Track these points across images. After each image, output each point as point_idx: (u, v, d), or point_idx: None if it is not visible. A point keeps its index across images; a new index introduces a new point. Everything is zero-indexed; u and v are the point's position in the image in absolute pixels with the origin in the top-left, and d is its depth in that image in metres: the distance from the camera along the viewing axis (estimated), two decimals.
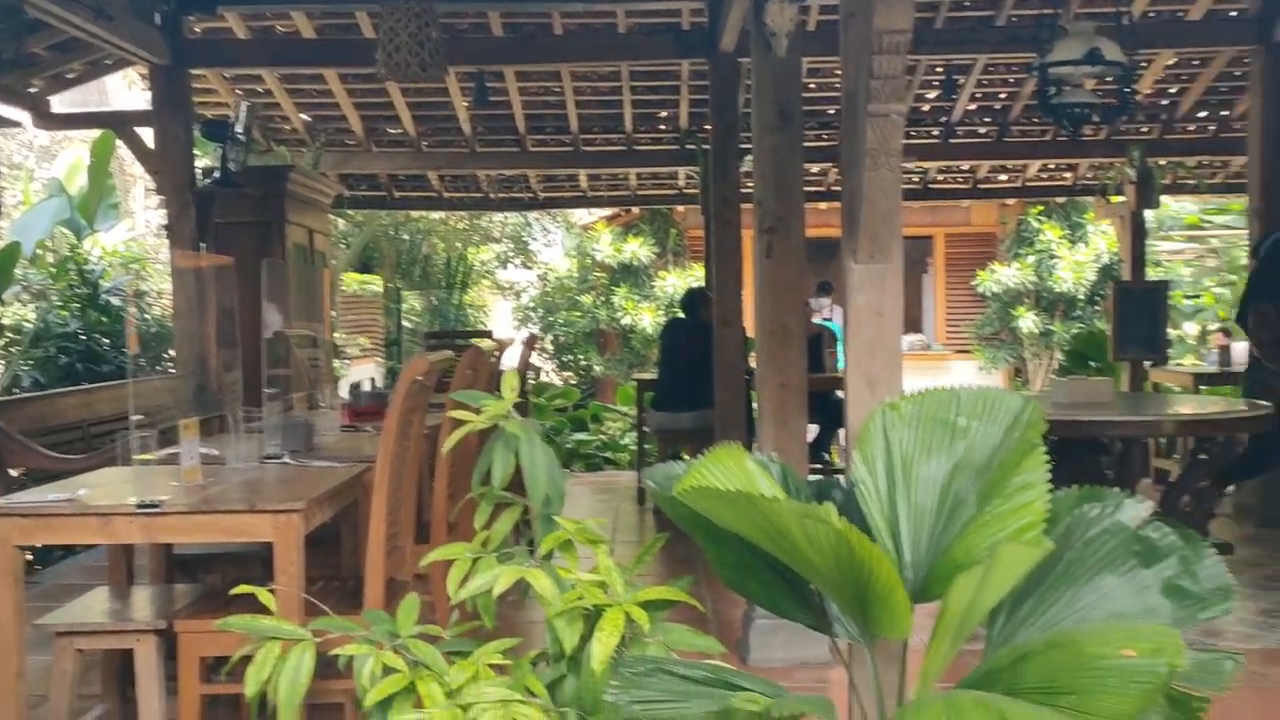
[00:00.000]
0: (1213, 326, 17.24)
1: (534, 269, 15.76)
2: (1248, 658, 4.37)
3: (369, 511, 3.02)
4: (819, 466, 8.09)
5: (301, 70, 7.73)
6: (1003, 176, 9.90)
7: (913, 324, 14.61)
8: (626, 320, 13.36)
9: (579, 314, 13.96)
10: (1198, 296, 18.35)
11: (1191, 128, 8.90)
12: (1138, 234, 9.09)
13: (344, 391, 6.06)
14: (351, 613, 2.62)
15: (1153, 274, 12.19)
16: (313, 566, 3.29)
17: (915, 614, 2.03)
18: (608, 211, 13.90)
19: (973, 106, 8.63)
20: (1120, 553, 1.97)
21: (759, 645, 4.21)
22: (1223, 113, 8.60)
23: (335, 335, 10.28)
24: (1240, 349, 9.38)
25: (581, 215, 15.26)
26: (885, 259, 2.31)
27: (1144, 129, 8.91)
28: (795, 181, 4.27)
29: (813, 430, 8.87)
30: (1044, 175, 9.85)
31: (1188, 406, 5.93)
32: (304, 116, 8.59)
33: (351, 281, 14.08)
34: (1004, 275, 12.40)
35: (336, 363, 10.25)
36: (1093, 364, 9.65)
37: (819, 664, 4.12)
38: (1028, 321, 12.22)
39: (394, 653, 1.90)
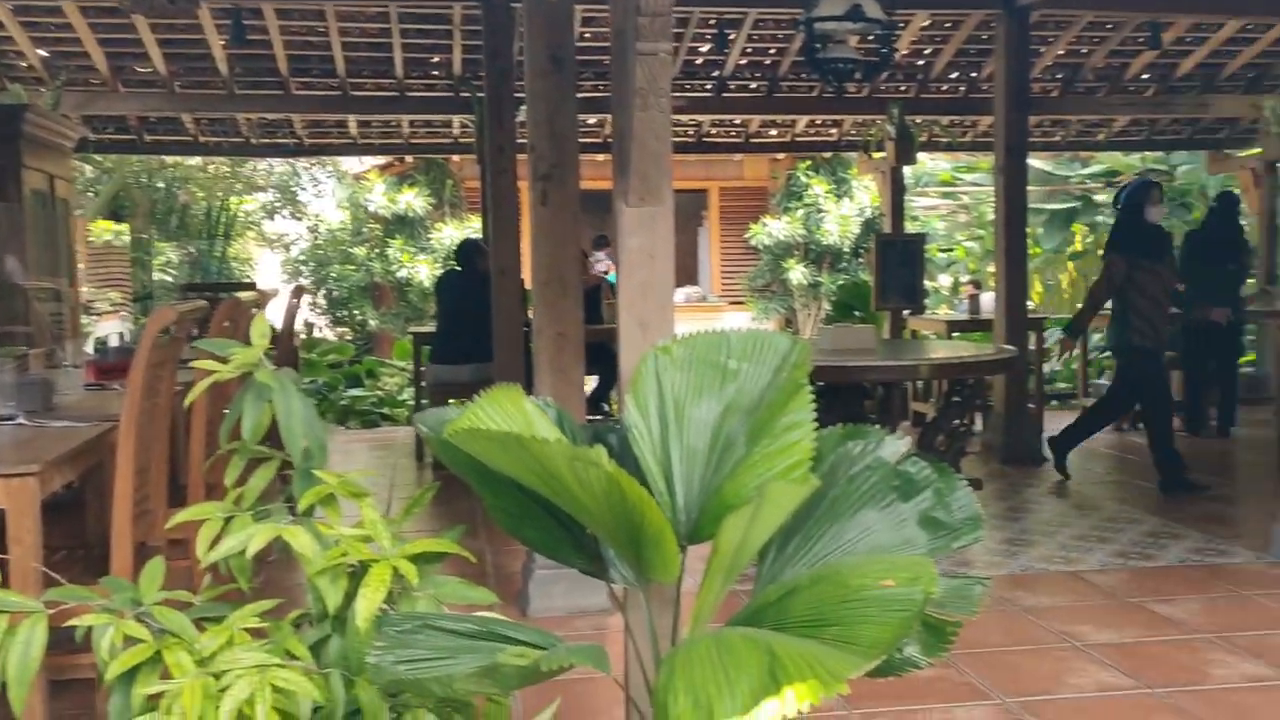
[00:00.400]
0: (964, 278, 18.36)
1: (304, 220, 15.11)
2: (995, 583, 4.67)
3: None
4: (599, 418, 8.15)
5: (37, 2, 7.08)
6: (773, 131, 10.16)
7: (689, 276, 14.89)
8: (403, 273, 13.04)
9: (353, 267, 13.52)
10: (951, 250, 19.49)
11: (945, 88, 9.35)
12: (897, 189, 9.53)
13: (90, 348, 5.65)
14: (95, 582, 2.42)
15: (911, 228, 12.84)
16: (55, 535, 3.05)
17: (690, 555, 2.05)
18: (381, 161, 13.47)
19: (744, 61, 8.79)
20: (881, 488, 2.04)
21: (539, 595, 4.19)
22: (972, 74, 9.08)
23: (82, 289, 9.56)
24: (988, 299, 10.02)
25: (353, 164, 14.74)
26: (656, 201, 2.30)
27: (902, 88, 9.31)
28: (570, 128, 4.22)
29: (592, 382, 8.93)
30: (811, 130, 10.16)
31: (941, 352, 6.27)
32: (41, 52, 7.88)
33: (102, 232, 13.13)
34: (775, 228, 12.79)
35: (85, 318, 9.55)
36: (857, 313, 10.10)
37: (599, 611, 4.14)
38: (797, 273, 12.65)
39: (137, 621, 1.76)
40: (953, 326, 8.75)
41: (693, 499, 2.07)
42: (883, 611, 1.66)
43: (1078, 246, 16.94)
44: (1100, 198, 13.99)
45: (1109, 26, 8.54)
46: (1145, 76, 9.47)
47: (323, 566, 1.83)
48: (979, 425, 8.28)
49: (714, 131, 10.03)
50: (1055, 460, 6.72)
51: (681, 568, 2.13)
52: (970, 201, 18.31)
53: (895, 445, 2.05)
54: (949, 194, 16.96)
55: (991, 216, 17.36)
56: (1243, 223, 11.49)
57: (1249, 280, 9.44)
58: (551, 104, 4.16)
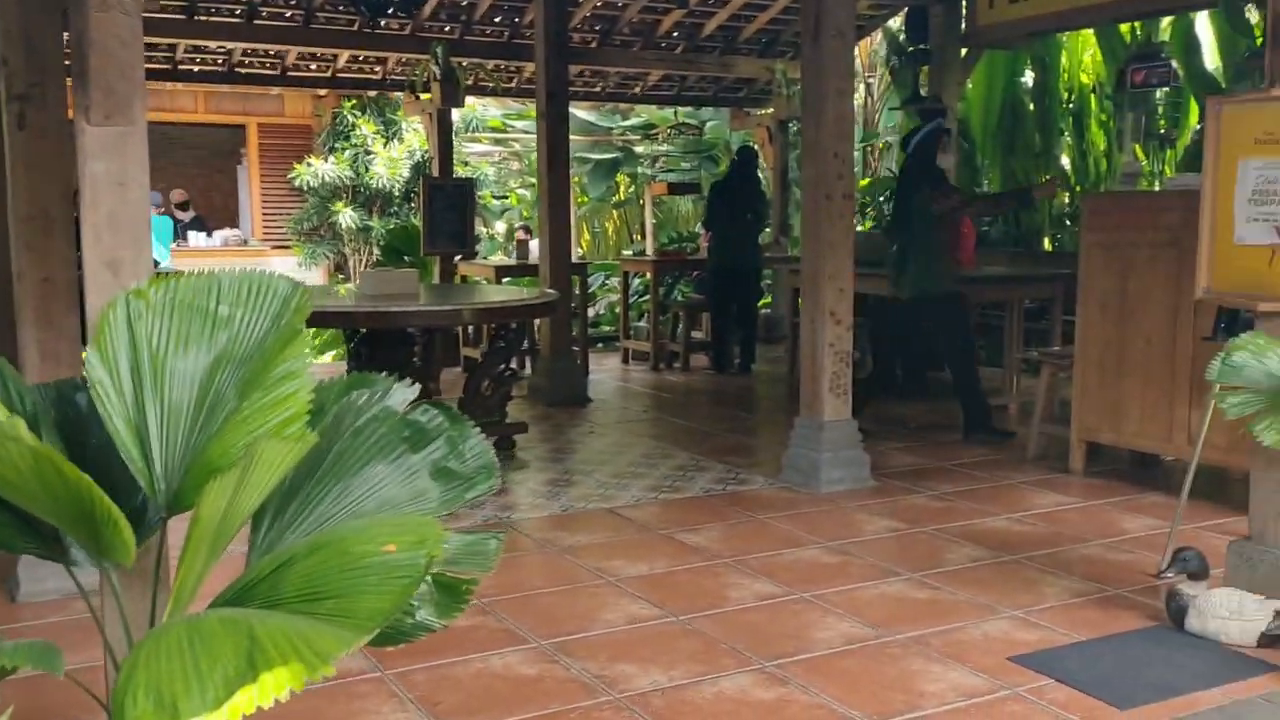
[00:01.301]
0: (517, 224, 18.66)
1: None
2: (536, 525, 4.70)
3: None
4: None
5: None
6: (314, 65, 9.62)
7: (229, 218, 13.90)
8: None
9: None
10: (505, 197, 19.73)
11: (489, 31, 9.30)
12: (445, 132, 9.39)
13: None
14: None
15: (461, 172, 12.77)
16: None
17: (178, 529, 1.79)
18: None
19: None
20: (390, 439, 1.89)
21: (29, 579, 3.66)
22: (515, 19, 9.09)
23: None
24: (537, 245, 10.20)
25: None
26: (126, 120, 1.97)
27: (447, 28, 9.14)
28: (52, 39, 3.64)
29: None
30: (354, 67, 9.73)
31: (485, 297, 6.24)
32: None
33: None
34: (321, 169, 12.21)
35: None
36: (407, 258, 9.88)
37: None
38: (346, 216, 12.18)
39: None
40: (502, 272, 8.80)
41: (175, 463, 1.81)
42: (383, 580, 1.52)
43: (621, 196, 17.78)
44: (640, 149, 14.70)
45: None
46: (675, 34, 9.97)
47: None
48: (528, 369, 8.44)
49: (247, 61, 9.32)
50: (990, 437, 6.20)
51: (163, 543, 1.86)
52: (522, 149, 18.61)
53: (404, 393, 1.90)
54: (501, 140, 17.11)
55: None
56: (761, 176, 12.57)
57: (766, 229, 10.32)
58: (27, 10, 3.57)
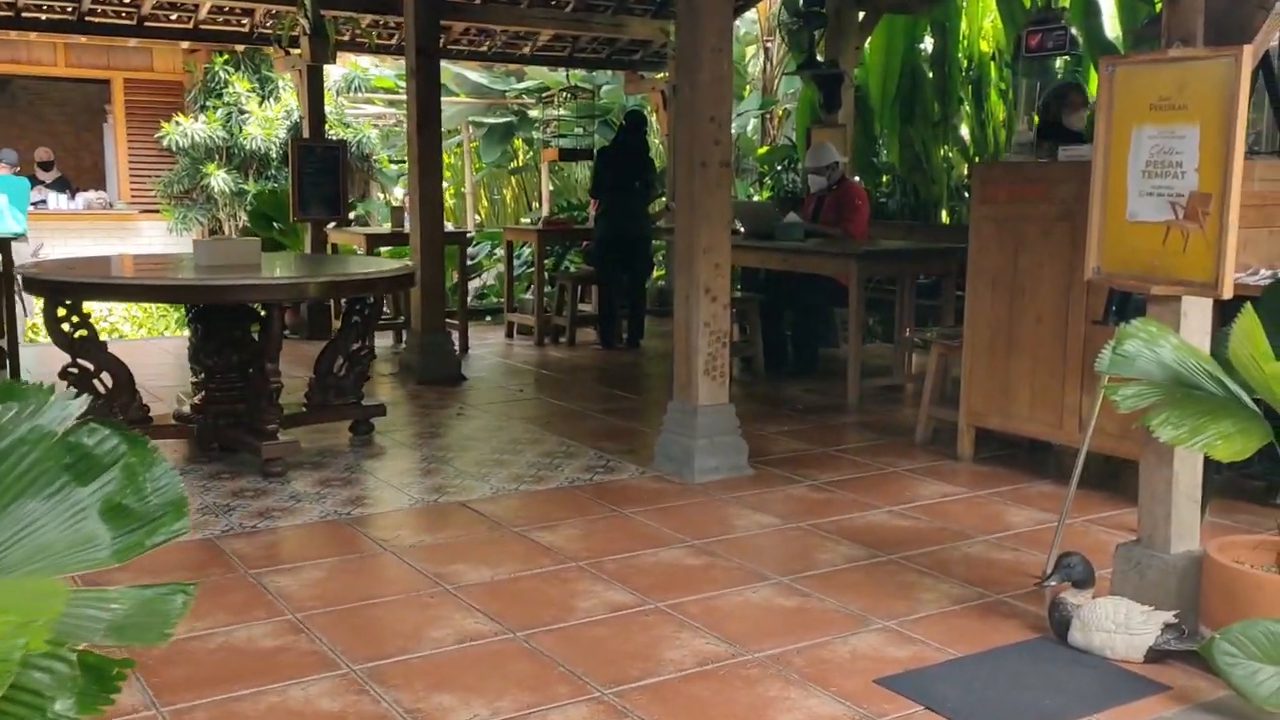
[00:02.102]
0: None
1: None
2: (380, 521, 4.25)
3: None
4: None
5: None
6: (174, 15, 8.92)
7: (95, 180, 13.07)
8: None
9: None
10: (404, 161, 19.03)
11: None
12: (316, 90, 8.78)
13: None
14: None
15: (344, 135, 12.14)
16: None
17: None
18: None
19: None
20: (47, 468, 1.44)
21: None
22: None
23: None
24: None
25: None
26: None
27: None
28: None
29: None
30: (220, 19, 9.06)
31: (341, 268, 5.75)
32: None
33: None
34: (191, 129, 11.46)
35: None
36: (276, 225, 9.27)
37: None
38: (219, 180, 11.46)
39: None
40: (375, 241, 8.26)
41: None
42: None
43: (520, 162, 17.23)
44: (534, 113, 14.17)
45: None
46: None
47: None
48: (404, 344, 7.95)
49: (99, 10, 8.60)
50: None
51: None
52: None
53: (64, 408, 1.45)
54: (396, 102, 16.40)
55: (446, 129, 17.11)
56: (657, 141, 12.16)
57: (660, 198, 9.92)
58: None
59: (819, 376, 7.27)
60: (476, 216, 18.74)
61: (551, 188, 15.82)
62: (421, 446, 5.49)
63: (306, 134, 8.81)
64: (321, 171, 8.72)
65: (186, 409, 5.27)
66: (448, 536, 4.09)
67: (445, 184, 19.49)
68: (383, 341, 8.43)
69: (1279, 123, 4.96)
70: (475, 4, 9.14)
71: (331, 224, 8.90)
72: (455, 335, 8.28)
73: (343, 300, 5.99)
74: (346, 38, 9.35)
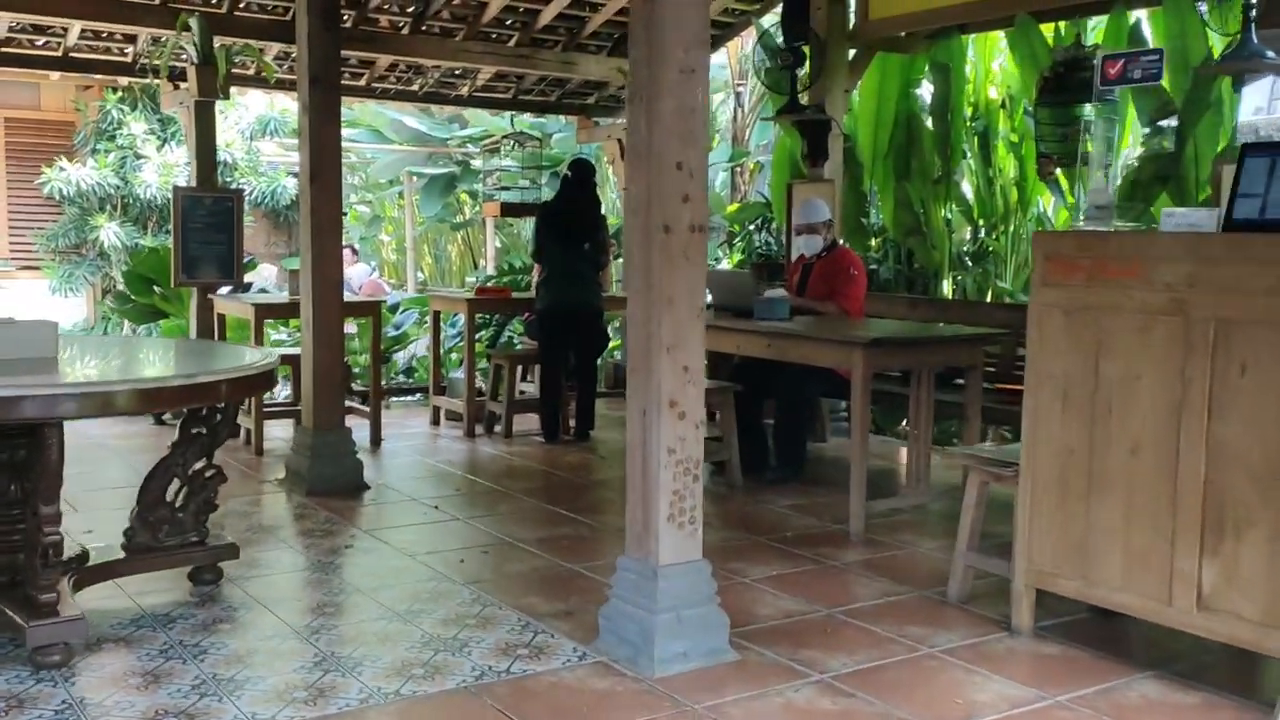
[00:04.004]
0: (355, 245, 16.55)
1: None
2: None
3: None
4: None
5: None
6: (40, 41, 7.51)
7: None
8: None
9: None
10: (345, 213, 17.59)
11: (271, 7, 7.38)
12: (206, 130, 7.39)
13: None
14: None
15: (255, 182, 10.75)
16: None
17: None
18: None
19: None
20: None
21: None
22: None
23: None
24: (354, 271, 8.30)
25: None
26: None
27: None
28: None
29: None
30: (99, 45, 7.65)
31: (179, 365, 4.32)
32: None
33: None
34: (77, 175, 9.98)
35: None
36: (157, 289, 7.84)
37: None
38: (111, 233, 9.98)
39: None
40: (265, 311, 6.80)
41: None
42: None
43: (464, 215, 15.86)
44: (476, 163, 12.84)
45: None
46: (508, 23, 8.19)
47: None
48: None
49: None
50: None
51: None
52: (357, 161, 16.55)
53: None
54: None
55: (384, 178, 15.71)
56: (613, 196, 10.83)
57: (615, 260, 8.59)
58: None
59: (806, 481, 5.92)
60: (420, 274, 17.33)
61: (499, 243, 14.46)
62: (284, 604, 4.03)
63: (194, 181, 7.39)
64: (212, 227, 7.31)
65: None
66: None
67: (387, 238, 18.20)
68: (281, 432, 6.98)
69: None
70: (403, 34, 7.82)
71: (227, 289, 7.47)
72: (367, 425, 6.86)
73: None
74: (251, 71, 7.99)
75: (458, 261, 17.47)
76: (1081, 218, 3.75)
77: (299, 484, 5.63)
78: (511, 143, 9.88)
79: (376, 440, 6.87)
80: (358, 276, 13.26)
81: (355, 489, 5.67)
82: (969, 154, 7.82)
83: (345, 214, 17.27)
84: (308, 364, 5.63)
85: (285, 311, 6.82)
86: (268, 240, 13.74)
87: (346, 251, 14.84)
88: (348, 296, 12.17)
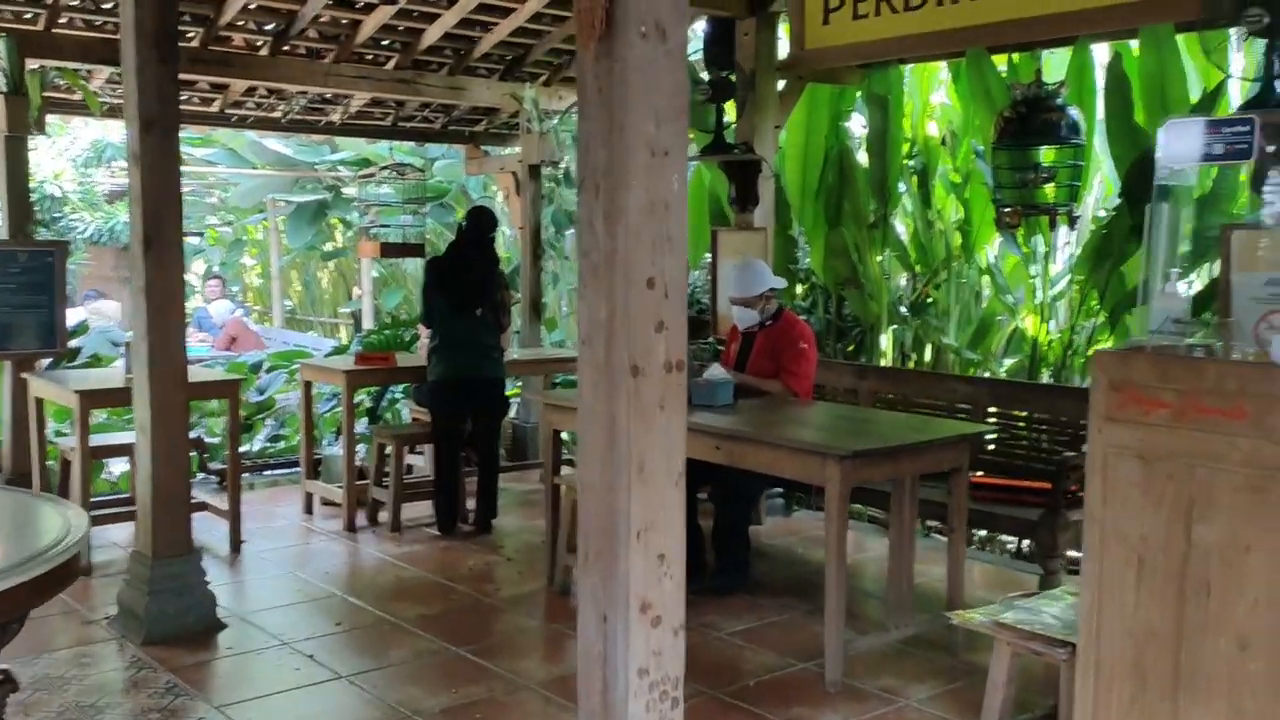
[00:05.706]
0: (216, 269, 15.12)
1: None
2: None
3: None
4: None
5: None
6: None
7: None
8: None
9: None
10: (202, 234, 16.12)
11: (99, 23, 6.19)
12: (18, 170, 6.16)
13: None
14: None
15: (89, 217, 9.41)
16: None
17: None
18: None
19: None
20: None
21: None
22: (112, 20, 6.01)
23: None
24: (216, 308, 7.09)
25: None
26: None
27: (26, 15, 5.98)
28: None
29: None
30: None
31: None
32: None
33: None
34: None
35: None
36: None
37: None
38: None
39: None
40: (92, 400, 5.55)
41: None
42: None
43: (338, 243, 14.64)
44: (349, 190, 11.67)
45: None
46: (386, 43, 7.14)
47: None
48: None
49: None
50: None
51: None
52: (218, 181, 15.15)
53: None
54: (193, 173, 13.57)
55: (246, 204, 14.34)
56: (507, 231, 9.81)
57: (515, 322, 7.59)
58: None
59: (751, 587, 5.06)
60: (287, 302, 15.99)
61: (376, 274, 13.29)
62: None
63: (5, 231, 6.14)
64: (28, 287, 6.09)
65: None
66: None
67: (251, 261, 16.78)
68: (120, 534, 5.81)
69: None
70: (262, 56, 6.69)
71: (46, 361, 6.22)
72: (225, 524, 5.73)
73: None
74: (76, 96, 6.76)
75: (330, 290, 16.20)
76: (1149, 332, 2.93)
77: (134, 628, 4.49)
78: (391, 173, 8.79)
79: (236, 544, 5.74)
80: (220, 314, 11.96)
81: (206, 630, 4.56)
82: (906, 194, 7.06)
83: (202, 235, 15.95)
84: (145, 480, 4.50)
85: (119, 399, 5.58)
86: (115, 264, 12.29)
87: (213, 282, 13.52)
88: (207, 340, 10.76)
